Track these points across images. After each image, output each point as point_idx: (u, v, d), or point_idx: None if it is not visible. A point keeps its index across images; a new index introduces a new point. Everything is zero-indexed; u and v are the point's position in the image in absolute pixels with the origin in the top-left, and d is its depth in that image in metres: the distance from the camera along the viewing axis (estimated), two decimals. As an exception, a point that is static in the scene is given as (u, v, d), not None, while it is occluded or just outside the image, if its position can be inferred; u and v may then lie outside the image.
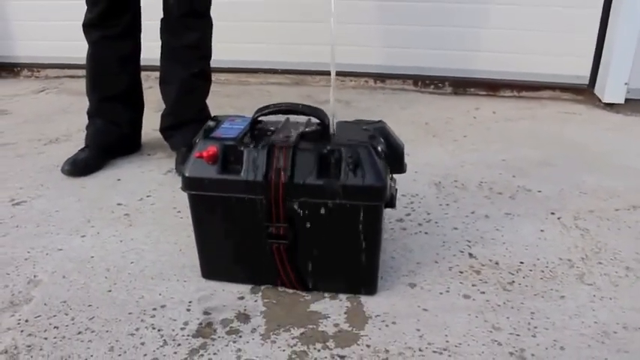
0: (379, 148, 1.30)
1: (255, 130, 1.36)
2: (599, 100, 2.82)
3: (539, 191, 1.93)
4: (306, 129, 1.36)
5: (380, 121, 1.40)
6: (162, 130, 2.21)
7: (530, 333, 1.27)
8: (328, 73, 3.13)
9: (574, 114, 2.72)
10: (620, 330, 1.28)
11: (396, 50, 3.06)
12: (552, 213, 1.79)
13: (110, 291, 1.44)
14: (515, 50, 2.93)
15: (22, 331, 1.30)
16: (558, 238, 1.65)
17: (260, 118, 1.37)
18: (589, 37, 2.81)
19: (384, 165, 1.29)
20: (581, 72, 2.89)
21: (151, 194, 1.93)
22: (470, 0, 2.88)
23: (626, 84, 2.74)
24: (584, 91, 2.91)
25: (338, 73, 3.09)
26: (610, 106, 2.77)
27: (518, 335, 1.27)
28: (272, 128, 1.38)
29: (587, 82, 2.90)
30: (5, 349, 1.24)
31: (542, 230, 1.69)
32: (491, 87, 3.00)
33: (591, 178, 2.01)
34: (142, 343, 1.26)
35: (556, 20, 2.82)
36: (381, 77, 3.12)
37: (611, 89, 2.76)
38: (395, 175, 1.42)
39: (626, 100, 2.77)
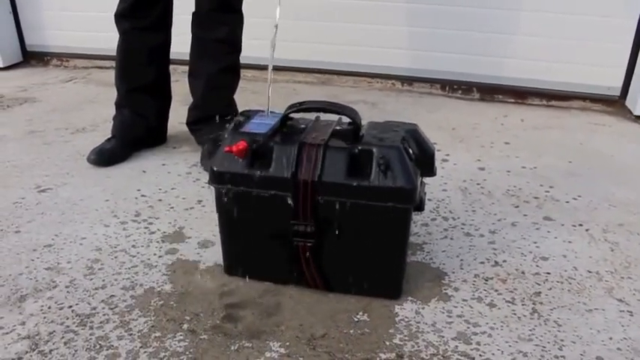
0: (410, 151, 1.29)
1: (286, 126, 1.35)
2: (630, 113, 2.76)
3: (567, 202, 1.89)
4: (337, 128, 1.35)
5: (412, 124, 1.39)
6: (189, 123, 2.22)
7: (557, 346, 1.25)
8: (356, 74, 3.14)
9: (604, 125, 2.67)
10: (650, 347, 1.25)
11: (424, 54, 3.03)
12: (580, 224, 1.75)
13: (132, 282, 1.44)
14: (545, 58, 2.89)
15: (44, 317, 1.30)
16: (586, 250, 1.62)
17: (291, 115, 1.36)
18: (623, 47, 2.76)
19: (415, 168, 1.28)
20: (612, 83, 2.84)
21: (176, 187, 1.93)
22: (501, 6, 2.85)
23: (658, 97, 2.68)
24: (614, 103, 2.86)
25: (365, 75, 3.12)
26: (641, 119, 2.72)
27: (544, 347, 1.24)
28: (302, 126, 1.37)
29: (618, 93, 2.84)
30: (28, 334, 1.25)
31: (570, 242, 1.66)
32: (520, 94, 2.96)
33: (620, 191, 1.97)
34: (164, 335, 1.25)
35: (589, 29, 2.77)
36: (408, 80, 3.09)
37: (643, 102, 2.71)
38: (423, 179, 1.40)
39: (658, 113, 2.72)
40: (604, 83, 2.85)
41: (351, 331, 1.27)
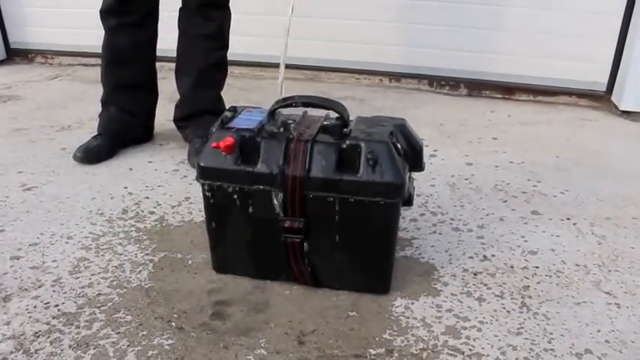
0: (399, 146, 1.28)
1: (273, 122, 1.34)
2: (616, 108, 2.78)
3: (555, 196, 1.90)
4: (325, 123, 1.34)
5: (400, 119, 1.38)
6: (176, 120, 2.20)
7: (546, 339, 1.25)
8: (344, 70, 3.13)
9: (590, 120, 2.69)
10: (637, 339, 1.25)
11: (411, 50, 3.03)
12: (568, 218, 1.76)
13: (119, 280, 1.42)
14: (532, 54, 2.90)
15: (30, 317, 1.29)
16: (574, 244, 1.63)
17: (278, 110, 1.35)
18: (608, 42, 2.77)
19: (403, 162, 1.27)
20: (598, 78, 2.85)
21: (163, 185, 1.92)
22: (488, 2, 2.85)
23: (644, 92, 2.70)
24: (601, 98, 2.88)
25: (353, 71, 3.12)
26: (627, 114, 2.73)
27: (533, 340, 1.24)
28: (290, 121, 1.36)
29: (604, 88, 2.86)
30: (13, 334, 1.23)
31: (557, 235, 1.66)
32: (507, 90, 2.97)
33: (607, 186, 1.98)
34: (152, 333, 1.24)
35: (575, 25, 2.79)
36: (396, 76, 3.09)
37: (628, 97, 2.71)
38: (411, 174, 1.39)
39: (644, 108, 2.74)
40: (590, 79, 2.86)
41: (341, 327, 1.27)
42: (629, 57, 2.71)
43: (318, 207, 1.28)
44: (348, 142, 1.26)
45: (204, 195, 1.36)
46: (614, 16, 2.73)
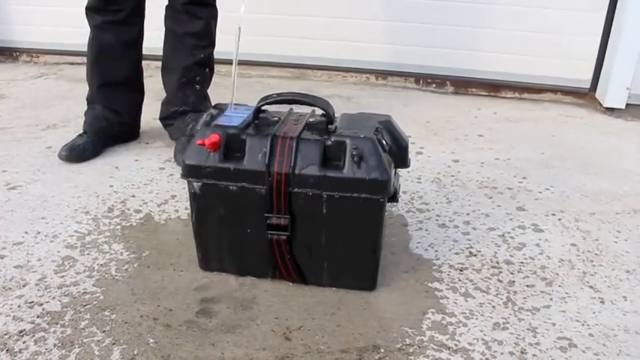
0: (384, 142, 1.29)
1: (259, 119, 1.34)
2: (600, 105, 2.81)
3: (540, 192, 1.92)
4: (310, 119, 1.34)
5: (386, 115, 1.39)
6: (162, 118, 2.19)
7: (531, 333, 1.26)
8: (330, 68, 3.14)
9: (574, 117, 2.71)
10: (620, 333, 1.27)
11: (398, 48, 3.04)
12: (553, 214, 1.77)
13: (105, 278, 1.42)
14: (517, 52, 2.92)
15: (14, 316, 1.28)
16: (559, 239, 1.64)
17: (264, 108, 1.35)
18: (592, 40, 2.80)
19: (389, 159, 1.28)
20: (583, 76, 2.88)
21: (149, 183, 1.91)
22: (474, 0, 2.87)
23: (628, 89, 2.73)
24: (585, 95, 2.90)
25: (339, 69, 3.12)
26: (611, 111, 2.76)
27: (518, 335, 1.25)
28: (275, 118, 1.36)
29: (588, 85, 2.89)
30: (-3, 333, 1.22)
31: (542, 231, 1.68)
32: (493, 88, 2.98)
33: (592, 181, 2.00)
34: (137, 331, 1.23)
35: (559, 23, 2.81)
36: (382, 74, 3.10)
37: (612, 94, 2.75)
38: (397, 171, 1.40)
39: (627, 105, 2.76)
40: (575, 76, 2.89)
41: (327, 324, 1.27)
42: (612, 54, 2.74)
43: (304, 204, 1.28)
44: (333, 138, 1.26)
45: (190, 193, 1.35)
46: (597, 13, 2.76)
